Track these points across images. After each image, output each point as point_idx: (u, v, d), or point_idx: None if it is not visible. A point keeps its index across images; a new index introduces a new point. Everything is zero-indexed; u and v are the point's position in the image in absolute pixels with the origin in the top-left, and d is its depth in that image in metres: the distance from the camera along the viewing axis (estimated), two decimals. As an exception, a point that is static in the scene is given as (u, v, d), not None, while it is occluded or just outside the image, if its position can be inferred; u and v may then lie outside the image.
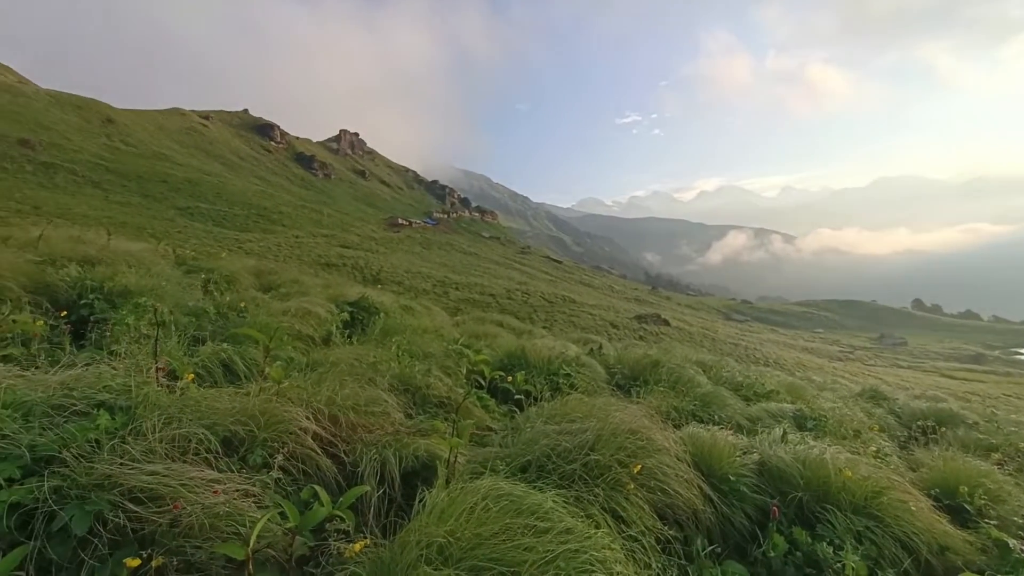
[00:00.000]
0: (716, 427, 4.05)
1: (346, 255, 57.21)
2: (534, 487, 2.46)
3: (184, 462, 2.18)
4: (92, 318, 4.29)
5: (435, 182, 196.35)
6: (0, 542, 1.95)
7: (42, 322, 3.44)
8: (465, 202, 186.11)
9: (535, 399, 4.30)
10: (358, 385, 3.22)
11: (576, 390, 4.65)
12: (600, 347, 7.16)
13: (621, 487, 2.72)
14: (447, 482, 2.37)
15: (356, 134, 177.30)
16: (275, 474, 2.30)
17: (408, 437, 2.81)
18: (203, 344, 4.08)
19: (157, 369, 2.68)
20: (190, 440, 2.28)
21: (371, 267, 54.70)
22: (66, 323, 4.09)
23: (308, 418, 2.62)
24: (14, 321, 2.89)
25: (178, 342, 3.97)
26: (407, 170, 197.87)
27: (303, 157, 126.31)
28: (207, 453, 2.27)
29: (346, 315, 5.62)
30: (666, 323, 51.74)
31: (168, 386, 2.72)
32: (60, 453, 2.10)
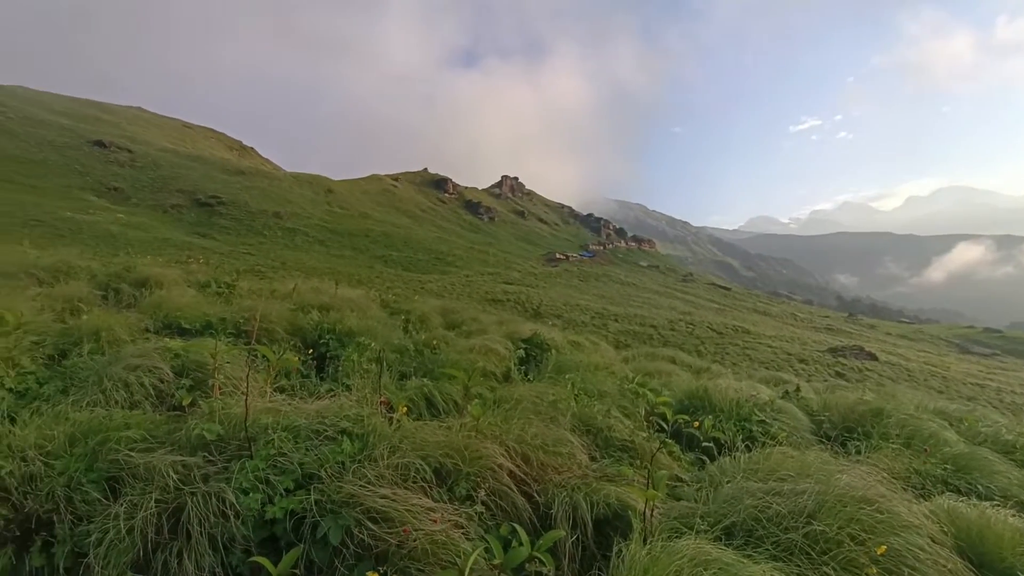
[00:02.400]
0: (984, 502, 3.15)
1: (509, 291, 60.77)
2: (744, 555, 2.19)
3: (406, 488, 2.47)
4: (328, 354, 5.26)
5: (590, 215, 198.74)
6: (278, 542, 2.45)
7: (297, 358, 4.31)
8: (620, 232, 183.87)
9: (727, 448, 3.89)
10: (542, 423, 3.31)
11: (775, 441, 4.07)
12: (797, 389, 6.21)
13: (858, 569, 2.25)
14: (644, 538, 2.25)
15: (515, 178, 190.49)
16: (478, 508, 2.46)
17: (597, 482, 2.76)
18: (408, 378, 4.68)
19: (380, 402, 3.12)
20: (409, 468, 2.58)
21: (532, 301, 57.10)
22: (312, 359, 5.09)
23: (503, 455, 2.77)
24: (282, 359, 3.70)
25: (390, 376, 4.62)
26: (562, 206, 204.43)
27: (471, 204, 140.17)
28: (423, 482, 2.54)
29: (521, 352, 5.90)
30: (872, 357, 42.73)
31: (388, 417, 3.15)
32: (319, 471, 2.58)
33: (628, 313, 56.92)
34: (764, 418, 4.64)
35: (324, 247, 67.66)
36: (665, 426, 4.12)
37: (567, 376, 5.23)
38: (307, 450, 2.69)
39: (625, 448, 3.50)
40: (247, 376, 2.82)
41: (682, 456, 3.74)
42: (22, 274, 5.43)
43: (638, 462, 3.37)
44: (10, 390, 3.43)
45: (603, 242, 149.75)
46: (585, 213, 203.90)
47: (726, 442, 4.04)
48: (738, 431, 4.29)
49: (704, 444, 3.98)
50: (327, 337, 5.41)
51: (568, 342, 8.09)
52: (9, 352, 3.55)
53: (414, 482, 2.53)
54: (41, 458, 2.58)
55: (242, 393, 3.56)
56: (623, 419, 3.97)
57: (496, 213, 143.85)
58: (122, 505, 2.34)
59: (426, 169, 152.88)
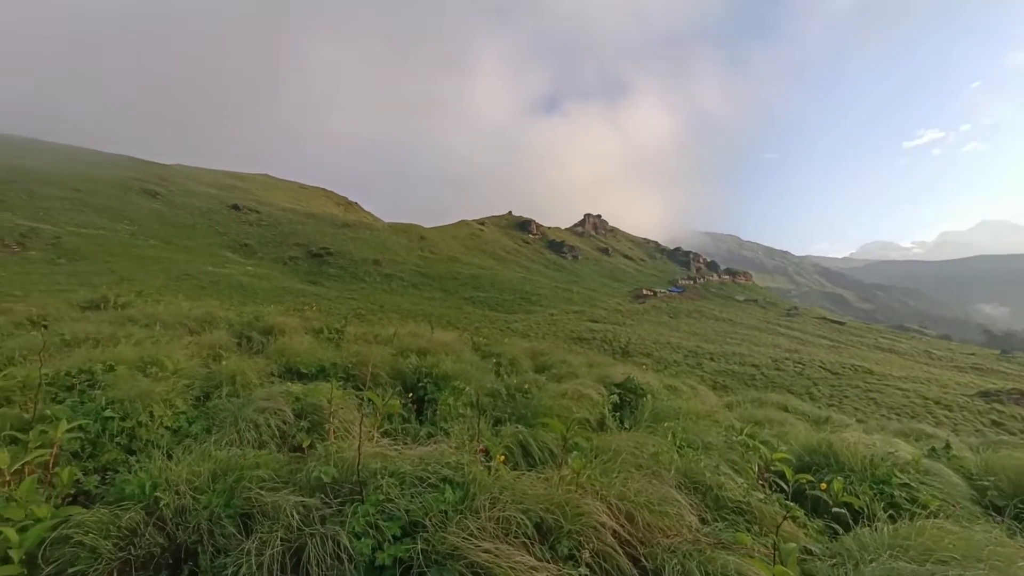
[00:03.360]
0: None
1: (595, 329, 59.67)
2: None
3: (508, 543, 2.44)
4: (426, 398, 5.47)
5: (677, 249, 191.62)
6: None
7: (399, 402, 4.53)
8: (712, 266, 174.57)
9: (863, 517, 3.39)
10: (644, 479, 3.13)
11: (926, 511, 3.48)
12: (947, 446, 5.30)
13: None
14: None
15: (598, 215, 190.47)
16: (583, 571, 2.36)
17: (711, 549, 2.53)
18: (503, 424, 4.70)
19: (480, 451, 3.16)
20: (510, 522, 2.56)
21: (619, 339, 55.43)
22: (411, 402, 5.32)
23: (606, 512, 2.64)
24: (388, 404, 3.90)
25: (485, 422, 4.68)
26: (648, 241, 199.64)
27: (554, 244, 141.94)
28: (524, 537, 2.50)
29: (615, 397, 5.71)
30: (1046, 405, 35.45)
31: (487, 465, 3.16)
32: (424, 519, 2.64)
33: (725, 351, 53.07)
34: (907, 481, 3.99)
35: (417, 290, 71.76)
36: (784, 486, 3.70)
37: (665, 425, 4.94)
38: (412, 497, 2.78)
39: (739, 511, 3.18)
40: (360, 423, 3.00)
41: (808, 523, 3.31)
42: (178, 324, 6.39)
43: (756, 528, 3.04)
44: (167, 428, 3.97)
45: (693, 276, 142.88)
46: (672, 247, 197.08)
47: (861, 509, 3.53)
48: (875, 496, 3.73)
49: (834, 510, 3.50)
50: (424, 381, 5.64)
51: (664, 386, 7.68)
52: (167, 394, 4.13)
53: (515, 537, 2.50)
54: (191, 492, 2.93)
55: (353, 436, 3.80)
56: (734, 476, 3.63)
57: (579, 251, 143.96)
58: (253, 542, 2.56)
59: (510, 212, 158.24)
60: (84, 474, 3.36)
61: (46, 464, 3.10)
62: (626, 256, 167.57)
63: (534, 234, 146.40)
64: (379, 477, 2.86)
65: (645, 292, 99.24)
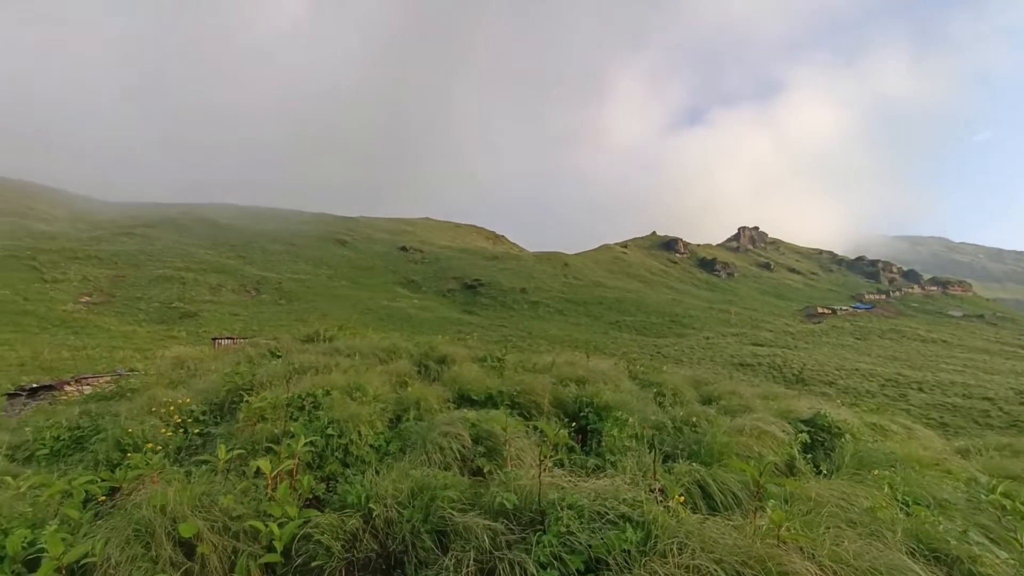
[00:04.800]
0: None
1: (760, 353, 53.38)
2: None
3: (701, 596, 2.27)
4: (588, 427, 5.46)
5: (860, 259, 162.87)
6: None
7: (566, 432, 4.58)
8: (911, 276, 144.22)
9: None
10: (860, 539, 2.66)
11: None
12: None
13: None
14: None
15: (755, 228, 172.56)
16: (797, 641, 2.07)
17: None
18: (673, 460, 4.45)
19: (658, 489, 3.02)
20: (701, 572, 2.38)
21: (791, 365, 48.63)
22: (574, 431, 5.35)
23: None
24: (558, 434, 3.99)
25: (652, 456, 4.48)
26: (819, 252, 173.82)
27: (705, 262, 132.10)
28: (719, 591, 2.30)
29: (805, 436, 4.99)
30: None
31: (665, 506, 3.01)
32: (606, 557, 2.61)
33: (940, 380, 42.88)
34: None
35: (563, 316, 72.70)
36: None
37: (875, 473, 4.15)
38: (592, 532, 2.77)
39: (1007, 594, 2.49)
40: (540, 454, 3.11)
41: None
42: (371, 354, 7.47)
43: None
44: (371, 446, 4.61)
45: (885, 290, 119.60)
46: (853, 257, 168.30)
47: None
48: None
49: None
50: (586, 410, 5.64)
51: (865, 424, 6.47)
52: (370, 416, 4.81)
53: (709, 589, 2.31)
54: (396, 506, 3.34)
55: (528, 464, 3.96)
56: (992, 548, 2.88)
57: (734, 268, 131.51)
58: (451, 559, 2.80)
59: (654, 232, 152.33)
60: (315, 481, 4.06)
61: (291, 471, 3.84)
62: (792, 270, 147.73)
63: (681, 253, 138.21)
64: (558, 508, 2.92)
65: (821, 310, 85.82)
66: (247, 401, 4.98)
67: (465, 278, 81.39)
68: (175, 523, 3.08)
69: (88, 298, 49.88)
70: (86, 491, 3.63)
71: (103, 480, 3.87)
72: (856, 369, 47.53)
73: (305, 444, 4.09)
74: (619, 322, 71.70)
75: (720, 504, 3.51)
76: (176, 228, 78.90)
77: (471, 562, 2.75)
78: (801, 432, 5.08)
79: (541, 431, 4.69)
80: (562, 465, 4.23)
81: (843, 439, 5.19)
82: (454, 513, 3.12)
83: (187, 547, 3.08)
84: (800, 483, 3.70)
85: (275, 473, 3.54)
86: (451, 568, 2.75)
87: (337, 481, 4.17)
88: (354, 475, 4.17)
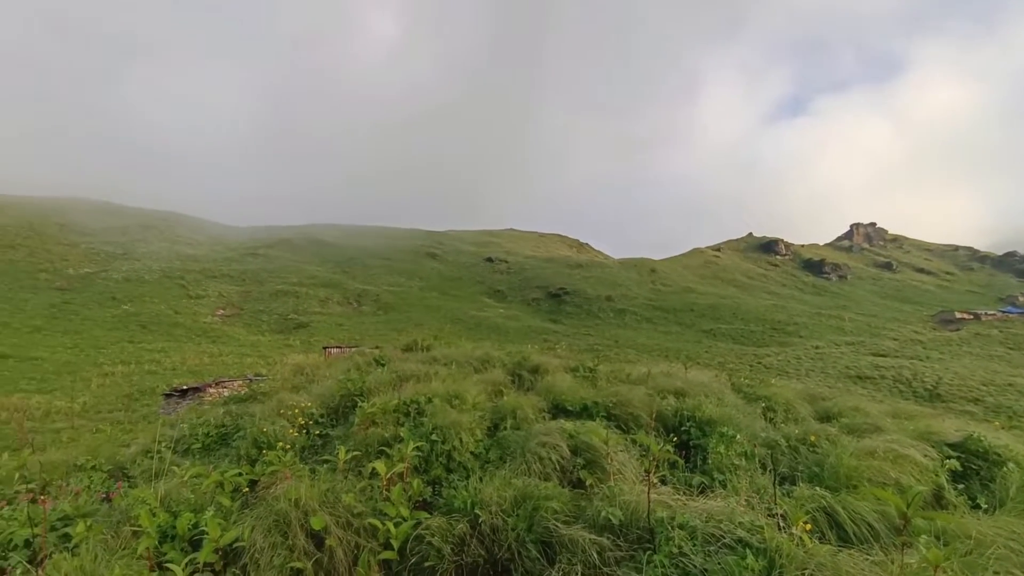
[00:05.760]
0: None
1: (882, 364, 47.30)
2: None
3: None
4: (691, 443, 5.19)
5: (1011, 254, 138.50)
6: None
7: (671, 447, 4.40)
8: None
9: None
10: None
11: None
12: None
13: None
14: None
15: (872, 224, 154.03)
16: None
17: None
18: (791, 483, 4.09)
19: (779, 515, 2.80)
20: (839, 610, 2.16)
21: (922, 378, 42.43)
22: (675, 447, 5.12)
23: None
24: (662, 449, 3.85)
25: (765, 476, 4.15)
26: (955, 248, 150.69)
27: (811, 263, 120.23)
28: (863, 634, 2.07)
29: (954, 463, 4.32)
30: None
31: (788, 533, 2.78)
32: (726, 584, 2.46)
33: None
34: None
35: (651, 324, 69.99)
36: None
37: (1056, 511, 3.48)
38: (706, 555, 2.63)
39: None
40: (648, 471, 3.03)
41: None
42: (466, 363, 7.75)
43: None
44: (471, 453, 4.77)
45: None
46: (1001, 252, 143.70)
47: None
48: None
49: None
50: (688, 425, 5.38)
51: (1034, 452, 5.45)
52: (470, 424, 4.97)
53: (850, 631, 2.09)
54: (501, 514, 3.42)
55: (628, 478, 3.87)
56: None
57: (847, 270, 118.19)
58: (558, 571, 2.81)
59: (750, 234, 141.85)
60: (422, 485, 4.28)
61: (402, 474, 4.09)
62: (920, 270, 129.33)
63: (783, 255, 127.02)
64: (668, 527, 2.81)
65: (959, 315, 74.00)
66: (360, 406, 5.40)
67: (550, 287, 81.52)
68: (306, 516, 3.41)
69: (222, 311, 57.23)
70: (234, 483, 4.16)
71: (246, 474, 4.41)
72: (1009, 384, 40.25)
73: (413, 449, 4.34)
74: (713, 330, 67.39)
75: (853, 536, 3.16)
76: (291, 248, 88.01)
77: (580, 575, 2.73)
78: (949, 458, 4.41)
79: (642, 445, 4.56)
80: (664, 482, 4.07)
81: (1005, 468, 4.43)
82: (559, 525, 3.12)
83: (316, 539, 3.39)
84: (954, 517, 3.22)
85: (389, 475, 3.80)
86: (559, 581, 2.76)
87: (441, 485, 4.37)
88: (458, 480, 4.34)
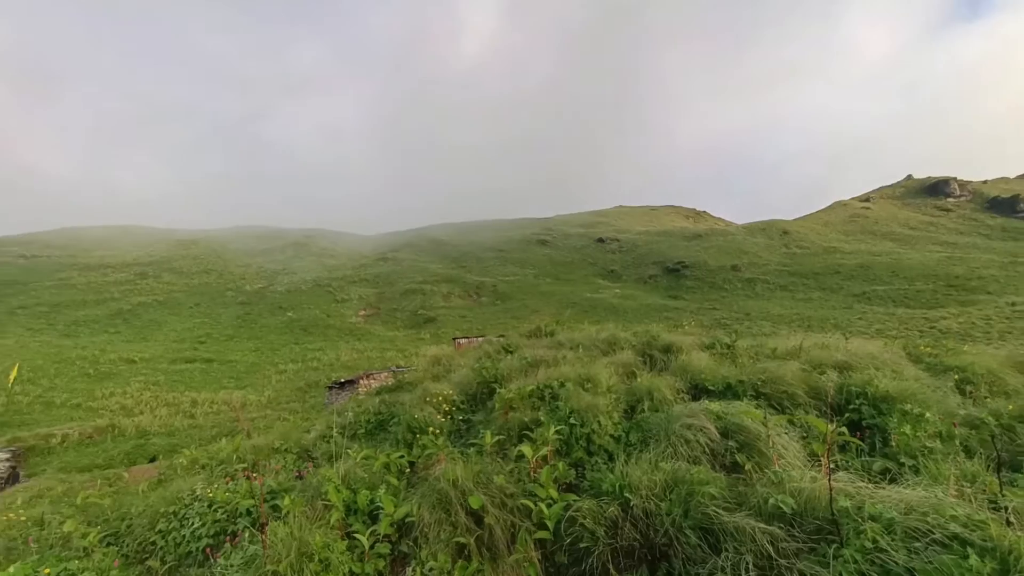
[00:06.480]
0: None
1: (1123, 322, 37.11)
2: None
3: None
4: (863, 423, 4.55)
5: None
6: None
7: (847, 430, 3.89)
8: None
9: None
10: None
11: None
12: None
13: None
14: None
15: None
16: None
17: None
18: (1010, 470, 3.38)
19: (1007, 509, 2.32)
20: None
21: None
22: (842, 426, 4.53)
23: None
24: (837, 431, 3.42)
25: (974, 461, 3.47)
26: None
27: (999, 202, 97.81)
28: None
29: None
30: None
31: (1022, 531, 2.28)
32: (943, 586, 2.10)
33: None
34: None
35: (787, 292, 62.97)
36: None
37: None
38: (911, 552, 2.27)
39: None
40: (826, 455, 2.72)
41: None
42: (592, 346, 7.69)
43: None
44: (611, 436, 4.71)
45: None
46: None
47: None
48: None
49: None
50: (857, 402, 4.72)
51: None
52: (606, 407, 4.91)
53: None
54: (653, 498, 3.32)
55: (790, 463, 3.51)
56: None
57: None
58: (726, 560, 2.65)
59: (909, 176, 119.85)
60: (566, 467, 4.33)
61: (545, 457, 4.18)
62: None
63: (956, 196, 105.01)
64: (856, 518, 2.49)
65: None
66: (498, 393, 5.64)
67: (666, 262, 77.36)
68: (464, 495, 3.65)
69: (364, 312, 64.15)
70: (398, 464, 4.62)
71: (406, 456, 4.87)
72: None
73: (554, 432, 4.42)
74: (866, 293, 58.35)
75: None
76: (413, 250, 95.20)
77: (750, 566, 2.54)
78: None
79: (803, 426, 4.12)
80: (836, 467, 3.62)
81: None
82: (719, 511, 2.94)
83: (475, 516, 3.62)
84: None
85: (535, 458, 3.92)
86: (727, 570, 2.60)
87: (584, 468, 4.38)
88: (600, 463, 4.32)
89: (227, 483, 5.37)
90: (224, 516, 4.60)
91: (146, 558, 4.55)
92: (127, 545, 4.76)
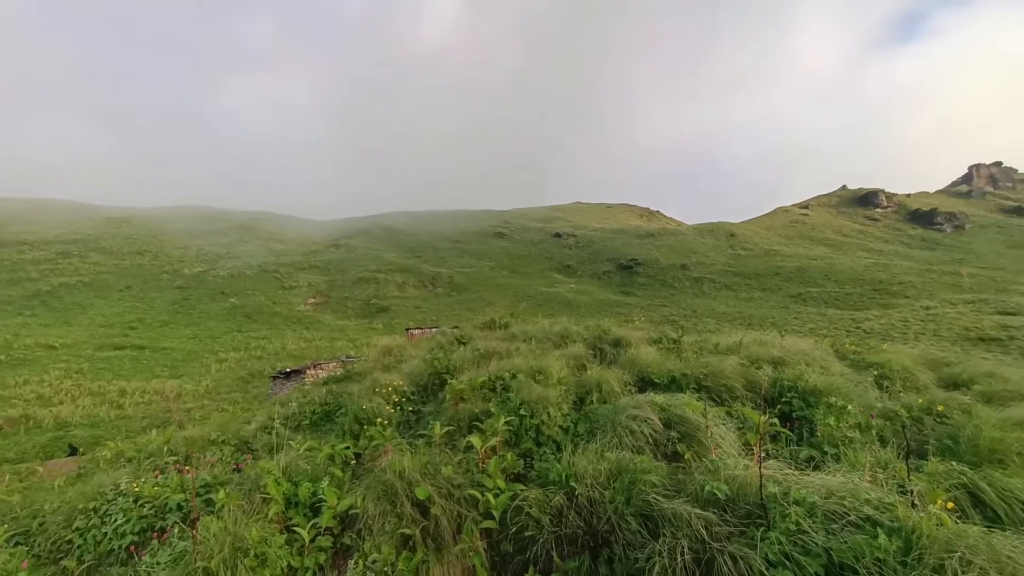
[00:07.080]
0: None
1: (1012, 325, 41.43)
2: None
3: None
4: (793, 414, 4.86)
5: None
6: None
7: (777, 420, 4.13)
8: None
9: None
10: None
11: None
12: None
13: None
14: None
15: (997, 163, 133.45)
16: None
17: None
18: (917, 457, 3.70)
19: (913, 492, 2.53)
20: (999, 598, 1.92)
21: (1069, 340, 36.56)
22: (774, 418, 4.81)
23: None
24: (768, 422, 3.62)
25: (886, 450, 3.79)
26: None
27: (919, 214, 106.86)
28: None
29: None
30: None
31: (926, 513, 2.50)
32: (853, 563, 2.28)
33: None
34: None
35: (731, 291, 66.21)
36: None
37: None
38: (829, 533, 2.45)
39: None
40: (758, 444, 2.86)
41: None
42: (545, 339, 7.78)
43: None
44: (560, 427, 4.78)
45: None
46: None
47: None
48: None
49: None
50: (788, 395, 5.03)
51: None
52: (556, 398, 4.99)
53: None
54: (597, 487, 3.40)
55: (727, 452, 3.69)
56: None
57: (964, 218, 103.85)
58: (663, 545, 2.75)
59: (844, 187, 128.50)
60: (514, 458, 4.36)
61: (494, 447, 4.20)
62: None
63: (883, 207, 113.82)
64: (782, 503, 2.65)
65: (1120, 263, 62.56)
66: (450, 384, 5.59)
67: (620, 259, 79.40)
68: (410, 486, 3.61)
69: (313, 300, 61.95)
70: (343, 455, 4.50)
71: (352, 447, 4.75)
72: None
73: (504, 423, 4.44)
74: (802, 294, 62.37)
75: (1003, 517, 2.80)
76: (367, 237, 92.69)
77: (685, 550, 2.66)
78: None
79: (739, 417, 4.33)
80: (768, 456, 3.84)
81: None
82: (659, 498, 3.05)
83: (421, 507, 3.59)
84: None
85: (483, 448, 3.92)
86: (664, 554, 2.70)
87: (532, 458, 4.43)
88: (548, 453, 4.38)
89: (156, 477, 5.06)
90: (152, 512, 4.33)
91: (61, 558, 4.22)
92: (39, 544, 4.39)
